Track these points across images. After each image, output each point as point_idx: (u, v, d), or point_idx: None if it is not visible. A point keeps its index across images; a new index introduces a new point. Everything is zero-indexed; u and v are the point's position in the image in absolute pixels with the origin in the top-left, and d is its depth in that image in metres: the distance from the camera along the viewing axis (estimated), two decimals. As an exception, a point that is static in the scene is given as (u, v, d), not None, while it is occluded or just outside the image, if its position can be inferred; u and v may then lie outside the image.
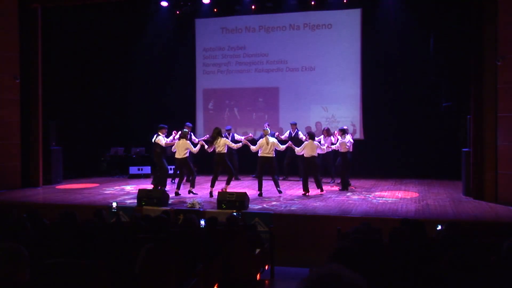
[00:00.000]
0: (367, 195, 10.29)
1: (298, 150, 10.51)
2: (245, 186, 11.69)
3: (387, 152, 13.31)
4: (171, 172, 12.04)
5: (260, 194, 10.27)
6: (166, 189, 10.45)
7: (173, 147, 10.61)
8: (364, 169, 12.78)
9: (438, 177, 12.48)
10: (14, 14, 12.22)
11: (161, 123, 11.32)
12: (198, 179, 10.67)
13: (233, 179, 10.80)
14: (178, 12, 15.04)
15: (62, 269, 3.33)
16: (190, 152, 10.47)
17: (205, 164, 12.62)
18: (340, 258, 2.96)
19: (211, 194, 10.12)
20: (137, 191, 9.54)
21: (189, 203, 9.04)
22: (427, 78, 13.42)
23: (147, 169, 14.01)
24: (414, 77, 13.40)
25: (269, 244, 7.04)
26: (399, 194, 10.55)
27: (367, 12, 13.90)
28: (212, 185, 10.30)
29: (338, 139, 11.24)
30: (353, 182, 11.54)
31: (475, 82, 9.83)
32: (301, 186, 10.63)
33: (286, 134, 12.77)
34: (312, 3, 14.22)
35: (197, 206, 8.87)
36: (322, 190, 10.50)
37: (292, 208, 8.94)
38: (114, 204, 8.97)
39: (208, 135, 11.59)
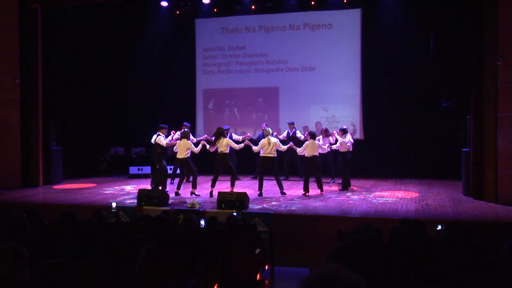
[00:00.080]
0: (367, 195, 10.29)
1: (299, 150, 10.51)
2: (245, 186, 11.69)
3: (387, 152, 13.31)
4: (169, 172, 12.04)
5: (260, 194, 10.27)
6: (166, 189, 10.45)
7: (174, 147, 10.60)
8: (364, 169, 12.79)
9: (438, 177, 12.48)
10: (14, 14, 12.22)
11: (161, 123, 11.31)
12: (198, 179, 10.66)
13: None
14: (178, 12, 15.04)
15: (62, 269, 3.33)
16: (191, 152, 10.47)
17: (205, 164, 12.62)
18: (340, 258, 2.96)
19: (211, 194, 10.12)
20: (137, 191, 9.54)
21: (189, 203, 9.04)
22: (427, 78, 13.43)
23: (147, 169, 14.00)
24: (414, 77, 13.40)
25: (269, 244, 7.03)
26: (399, 194, 10.55)
27: (367, 12, 13.90)
28: (213, 185, 10.30)
29: (336, 139, 11.27)
30: (353, 182, 11.54)
31: (475, 82, 9.83)
32: (301, 186, 10.64)
33: (284, 134, 12.78)
34: (312, 3, 14.22)
35: (197, 206, 8.87)
36: (322, 191, 10.50)
37: (292, 208, 8.94)
38: (114, 204, 8.97)
39: (206, 135, 11.60)
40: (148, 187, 10.89)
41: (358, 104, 13.92)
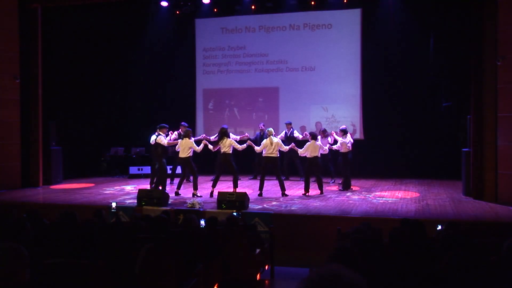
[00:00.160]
0: (367, 195, 10.29)
1: (301, 151, 10.50)
2: (245, 186, 11.68)
3: (387, 152, 13.31)
4: (169, 172, 12.03)
5: (260, 194, 10.26)
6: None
7: (177, 146, 10.57)
8: (364, 169, 12.79)
9: (438, 177, 12.48)
10: (14, 14, 12.22)
11: (161, 123, 11.29)
12: (198, 179, 10.65)
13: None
14: (178, 12, 15.04)
15: (62, 269, 3.33)
16: (193, 151, 10.44)
17: (205, 164, 12.62)
18: (340, 258, 2.96)
19: (211, 194, 10.11)
20: (137, 191, 9.54)
21: (189, 203, 9.04)
22: (427, 78, 13.43)
23: (147, 169, 13.98)
24: (414, 77, 13.41)
25: (269, 244, 7.03)
26: (399, 194, 10.55)
27: (367, 12, 13.90)
28: (214, 185, 10.28)
29: (334, 140, 11.28)
30: (353, 182, 11.54)
31: (475, 82, 9.83)
32: (301, 186, 10.63)
33: (282, 134, 12.74)
34: (312, 3, 14.22)
35: (197, 206, 8.87)
36: (322, 192, 10.47)
37: (292, 208, 8.94)
38: (114, 204, 8.97)
39: (204, 135, 11.56)
40: (148, 187, 10.89)
41: (358, 104, 13.92)
